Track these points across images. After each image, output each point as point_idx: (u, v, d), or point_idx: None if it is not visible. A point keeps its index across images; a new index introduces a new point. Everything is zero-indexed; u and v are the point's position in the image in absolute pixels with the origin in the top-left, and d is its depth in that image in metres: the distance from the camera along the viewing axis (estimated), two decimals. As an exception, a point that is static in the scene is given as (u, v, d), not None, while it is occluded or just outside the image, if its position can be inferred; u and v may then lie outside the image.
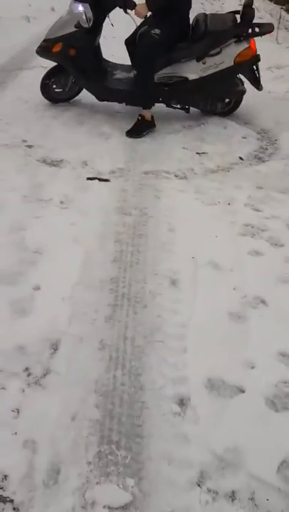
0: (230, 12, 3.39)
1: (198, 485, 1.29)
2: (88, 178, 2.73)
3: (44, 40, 3.29)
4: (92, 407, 1.48)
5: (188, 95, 3.34)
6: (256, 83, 3.34)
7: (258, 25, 3.18)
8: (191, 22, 3.27)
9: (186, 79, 3.24)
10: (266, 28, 3.19)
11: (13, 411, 1.45)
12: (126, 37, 3.40)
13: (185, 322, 1.82)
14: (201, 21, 3.22)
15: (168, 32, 3.09)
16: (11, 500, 1.24)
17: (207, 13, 3.39)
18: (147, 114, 3.29)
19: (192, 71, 3.23)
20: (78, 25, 3.10)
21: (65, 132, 3.26)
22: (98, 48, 3.41)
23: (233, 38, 3.14)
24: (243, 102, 3.50)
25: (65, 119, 3.44)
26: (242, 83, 3.37)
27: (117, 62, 3.59)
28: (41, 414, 1.44)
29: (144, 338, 1.75)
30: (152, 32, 3.08)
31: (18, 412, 1.45)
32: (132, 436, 1.41)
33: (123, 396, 1.53)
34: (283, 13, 6.27)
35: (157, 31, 3.07)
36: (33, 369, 1.58)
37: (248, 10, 3.07)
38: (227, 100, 3.47)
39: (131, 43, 3.35)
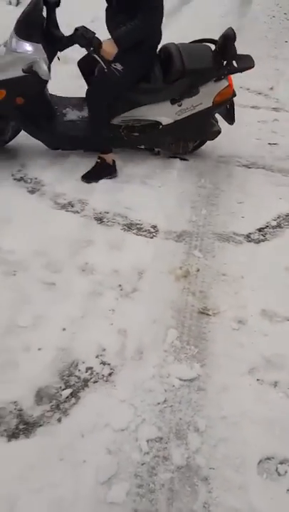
0: (203, 41, 2.84)
1: (249, 373, 1.68)
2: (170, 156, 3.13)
3: None
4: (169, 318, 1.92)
5: (158, 138, 2.91)
6: (230, 119, 2.96)
7: (237, 57, 2.69)
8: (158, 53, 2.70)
9: (158, 123, 2.77)
10: (246, 64, 2.72)
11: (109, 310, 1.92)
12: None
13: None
14: (174, 56, 2.63)
15: (133, 67, 2.50)
16: (109, 364, 1.71)
17: (177, 43, 2.74)
18: (108, 157, 2.76)
19: (166, 114, 2.75)
20: (29, 71, 2.38)
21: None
22: (46, 89, 2.71)
23: (213, 78, 2.71)
24: None
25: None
26: (217, 122, 2.98)
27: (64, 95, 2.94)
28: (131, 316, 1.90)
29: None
30: (113, 66, 2.47)
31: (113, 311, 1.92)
32: (198, 338, 1.83)
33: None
34: None
35: (119, 66, 2.47)
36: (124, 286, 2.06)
37: (230, 45, 2.59)
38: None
39: (87, 64, 2.71)
